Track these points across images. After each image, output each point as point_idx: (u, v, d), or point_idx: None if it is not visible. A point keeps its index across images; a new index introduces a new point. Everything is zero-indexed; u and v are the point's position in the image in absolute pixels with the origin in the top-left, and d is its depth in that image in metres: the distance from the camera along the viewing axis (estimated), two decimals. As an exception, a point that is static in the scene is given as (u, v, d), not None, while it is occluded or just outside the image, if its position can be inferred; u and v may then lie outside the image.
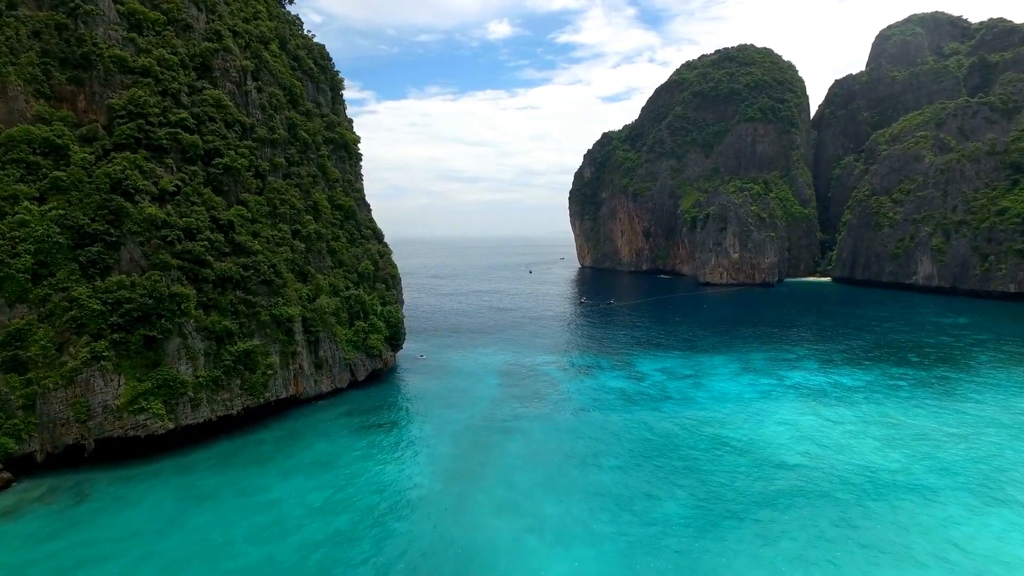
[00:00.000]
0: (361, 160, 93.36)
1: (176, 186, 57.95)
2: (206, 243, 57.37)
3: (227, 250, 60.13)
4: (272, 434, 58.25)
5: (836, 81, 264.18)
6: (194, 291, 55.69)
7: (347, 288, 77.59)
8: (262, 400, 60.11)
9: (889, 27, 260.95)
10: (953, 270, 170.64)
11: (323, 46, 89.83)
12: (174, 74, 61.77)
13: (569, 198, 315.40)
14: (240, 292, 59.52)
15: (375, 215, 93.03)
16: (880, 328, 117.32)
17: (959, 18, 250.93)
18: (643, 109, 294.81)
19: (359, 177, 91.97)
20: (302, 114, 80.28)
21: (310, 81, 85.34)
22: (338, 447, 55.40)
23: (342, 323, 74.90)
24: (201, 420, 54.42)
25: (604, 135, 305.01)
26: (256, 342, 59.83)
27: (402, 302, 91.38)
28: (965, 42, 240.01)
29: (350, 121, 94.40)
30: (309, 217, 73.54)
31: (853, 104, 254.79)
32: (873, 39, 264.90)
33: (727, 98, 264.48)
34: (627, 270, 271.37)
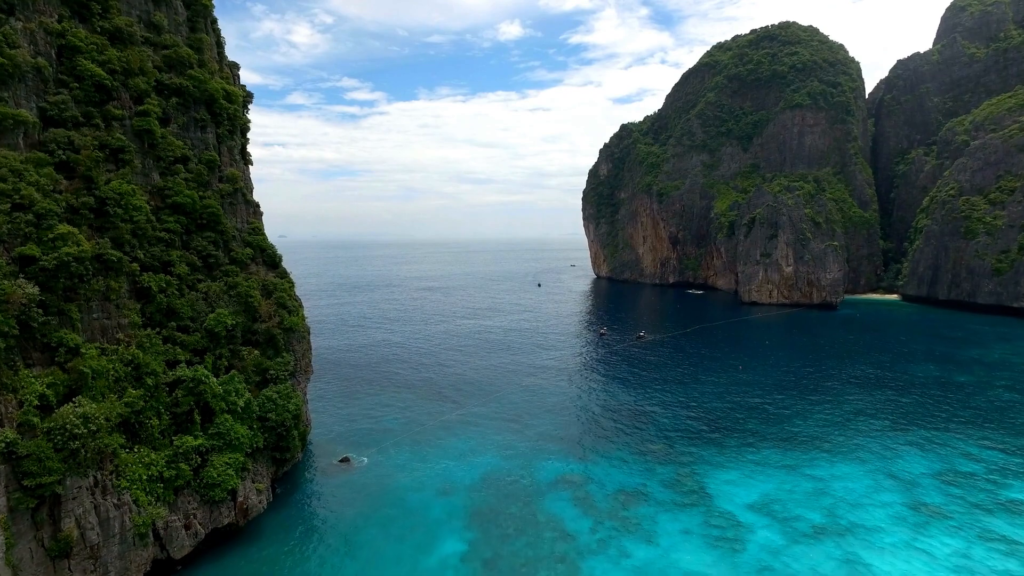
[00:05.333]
0: (247, 131, 55.70)
1: None
2: None
3: None
4: None
5: (899, 62, 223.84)
6: None
7: (167, 368, 39.92)
8: None
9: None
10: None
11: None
12: None
13: (583, 199, 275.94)
14: None
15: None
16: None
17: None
18: (668, 96, 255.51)
19: (238, 158, 54.01)
20: (101, 33, 42.99)
21: (137, -16, 47.93)
22: None
23: (151, 438, 37.33)
24: None
25: (623, 127, 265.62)
26: None
27: (308, 372, 53.28)
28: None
29: (231, 65, 56.68)
30: (70, 228, 35.97)
31: (921, 88, 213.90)
32: (943, 12, 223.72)
33: (768, 82, 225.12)
34: (650, 283, 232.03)
